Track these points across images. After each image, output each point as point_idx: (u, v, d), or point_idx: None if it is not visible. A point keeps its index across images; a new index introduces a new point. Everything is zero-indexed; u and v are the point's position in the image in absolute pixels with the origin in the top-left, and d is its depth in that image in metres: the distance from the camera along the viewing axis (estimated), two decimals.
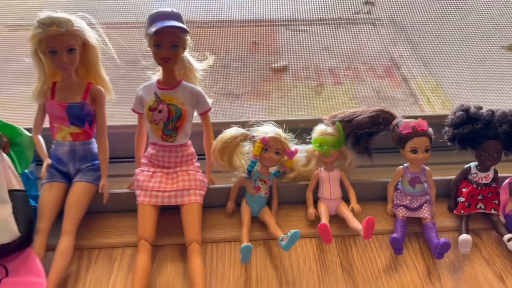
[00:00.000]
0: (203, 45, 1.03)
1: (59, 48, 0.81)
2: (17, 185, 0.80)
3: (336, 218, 0.91)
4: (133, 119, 0.94)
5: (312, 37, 1.88)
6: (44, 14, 0.81)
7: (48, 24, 0.80)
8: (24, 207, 0.78)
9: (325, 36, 1.92)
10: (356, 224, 0.83)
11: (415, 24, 1.97)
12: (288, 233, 0.78)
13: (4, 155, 0.79)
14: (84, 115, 0.87)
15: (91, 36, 0.85)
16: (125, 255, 0.86)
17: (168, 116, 0.86)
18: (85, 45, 0.85)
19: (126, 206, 0.91)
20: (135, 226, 0.87)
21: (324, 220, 0.85)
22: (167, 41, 0.81)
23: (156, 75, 0.92)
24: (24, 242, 0.77)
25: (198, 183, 0.88)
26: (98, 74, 0.89)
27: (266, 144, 0.88)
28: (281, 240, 0.80)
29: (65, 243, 0.81)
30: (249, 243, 0.80)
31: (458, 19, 1.73)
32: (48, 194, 0.85)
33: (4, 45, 1.73)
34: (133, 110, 0.90)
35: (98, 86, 0.89)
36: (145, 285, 0.77)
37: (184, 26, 0.81)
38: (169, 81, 0.87)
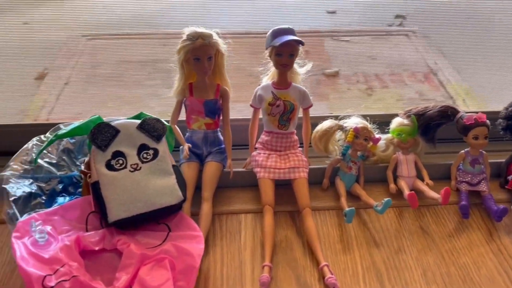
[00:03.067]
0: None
1: (202, 56, 1.04)
2: (174, 162, 1.03)
3: None
4: (243, 114, 1.18)
5: (355, 47, 2.12)
6: (190, 29, 1.05)
7: (196, 37, 1.03)
8: (181, 177, 1.01)
9: (367, 46, 2.17)
10: (433, 194, 1.07)
11: (445, 34, 2.23)
12: (382, 201, 1.02)
13: (164, 139, 1.03)
14: (216, 109, 1.10)
15: (223, 46, 1.08)
16: (247, 218, 1.09)
17: (284, 110, 1.09)
18: (217, 53, 1.08)
19: (245, 182, 1.15)
20: (253, 197, 1.11)
21: (407, 191, 1.08)
22: (287, 51, 1.05)
23: (265, 78, 1.15)
24: (182, 204, 1.00)
25: (304, 163, 1.11)
26: (223, 77, 1.12)
27: (358, 132, 1.11)
28: (376, 206, 1.03)
29: (207, 207, 1.04)
30: (352, 208, 1.03)
31: (485, 28, 1.99)
32: (188, 171, 1.08)
33: (88, 53, 1.98)
34: (252, 106, 1.14)
35: (225, 87, 1.12)
36: (272, 238, 1.00)
37: (301, 40, 1.04)
38: (283, 83, 1.10)
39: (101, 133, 0.96)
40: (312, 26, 2.17)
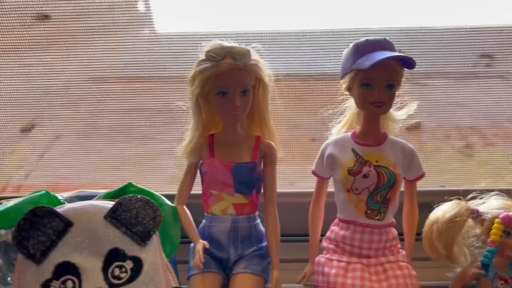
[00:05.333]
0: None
1: (232, 88, 0.59)
2: (173, 280, 0.55)
3: None
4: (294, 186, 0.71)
5: (436, 91, 1.64)
6: (213, 43, 0.61)
7: (222, 55, 0.59)
8: None
9: (451, 91, 1.68)
10: None
11: None
12: None
13: (157, 238, 0.56)
14: (254, 179, 0.64)
15: (266, 72, 0.63)
16: None
17: (377, 184, 0.61)
18: (257, 85, 0.63)
19: None
20: None
21: None
22: (381, 79, 0.58)
23: (337, 127, 0.68)
24: None
25: (414, 282, 0.61)
26: (266, 124, 0.66)
27: (509, 226, 0.61)
28: None
29: None
30: None
31: None
32: None
33: (90, 99, 1.56)
34: (315, 174, 0.66)
35: (269, 141, 0.66)
36: None
37: (409, 57, 0.58)
38: (373, 134, 0.63)
39: (36, 228, 0.51)
40: None
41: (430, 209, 0.66)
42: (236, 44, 0.61)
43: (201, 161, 0.66)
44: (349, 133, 0.65)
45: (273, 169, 0.66)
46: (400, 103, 0.68)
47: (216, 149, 0.64)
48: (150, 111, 1.45)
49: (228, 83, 0.59)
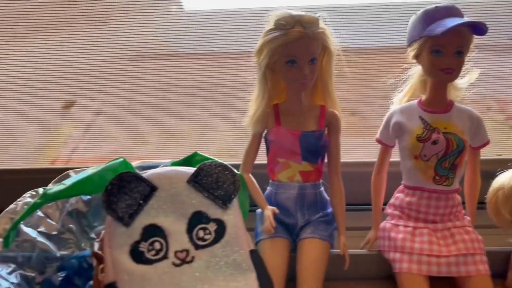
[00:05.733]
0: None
1: (301, 56, 0.60)
2: (251, 244, 0.57)
3: None
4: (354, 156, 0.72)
5: (474, 64, 1.61)
6: (280, 12, 0.61)
7: (292, 24, 0.59)
8: (266, 276, 0.54)
9: (490, 63, 1.65)
10: None
11: None
12: None
13: (236, 201, 0.57)
14: (320, 147, 0.65)
15: (332, 41, 0.64)
16: None
17: (446, 150, 0.61)
18: (322, 54, 0.64)
19: (368, 273, 0.67)
20: None
21: None
22: (452, 45, 0.59)
23: (399, 97, 0.69)
24: None
25: (481, 246, 0.62)
26: (329, 93, 0.66)
27: None
28: None
29: None
30: None
31: None
32: (271, 255, 0.62)
33: (128, 77, 1.57)
34: (379, 141, 0.67)
35: (334, 110, 0.67)
36: None
37: (481, 23, 0.58)
38: (440, 101, 0.63)
39: (124, 192, 0.53)
40: None
41: (490, 177, 0.67)
42: (304, 13, 0.61)
43: (265, 130, 0.67)
44: (415, 101, 0.65)
45: (338, 138, 0.67)
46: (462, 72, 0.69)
47: (282, 118, 0.65)
48: (190, 87, 1.46)
49: (297, 52, 0.60)
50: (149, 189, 0.53)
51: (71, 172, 0.71)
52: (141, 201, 0.53)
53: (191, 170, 0.55)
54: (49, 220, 0.69)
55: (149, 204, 0.53)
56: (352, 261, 0.65)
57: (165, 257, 0.51)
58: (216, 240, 0.53)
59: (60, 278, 0.65)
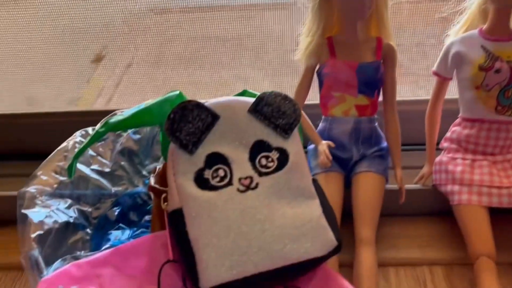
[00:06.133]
0: None
1: None
2: (310, 174, 0.56)
3: None
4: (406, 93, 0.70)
5: None
6: None
7: None
8: (327, 204, 0.54)
9: None
10: None
11: None
12: None
13: (297, 131, 0.57)
14: (377, 80, 0.63)
15: None
16: (435, 276, 0.61)
17: (510, 79, 0.59)
18: None
19: (424, 208, 0.66)
20: (442, 236, 0.62)
21: None
22: None
23: (455, 29, 0.66)
24: (333, 254, 0.53)
25: None
26: (384, 25, 0.64)
27: None
28: None
29: (368, 255, 0.57)
30: None
31: None
32: (327, 189, 0.61)
33: (156, 30, 1.54)
34: (436, 74, 0.65)
35: (390, 43, 0.65)
36: None
37: None
38: (503, 29, 0.61)
39: (186, 120, 0.52)
40: None
41: None
42: None
43: (318, 64, 0.66)
44: (475, 31, 0.63)
45: (394, 71, 0.65)
46: None
47: (337, 50, 0.64)
48: (219, 39, 1.44)
49: None
50: (211, 117, 0.53)
51: (118, 112, 0.71)
52: (203, 129, 0.53)
53: (251, 99, 0.54)
54: (100, 158, 0.69)
55: (211, 132, 0.53)
56: (406, 196, 0.65)
57: (229, 183, 0.51)
58: (279, 167, 0.52)
59: (115, 213, 0.66)
